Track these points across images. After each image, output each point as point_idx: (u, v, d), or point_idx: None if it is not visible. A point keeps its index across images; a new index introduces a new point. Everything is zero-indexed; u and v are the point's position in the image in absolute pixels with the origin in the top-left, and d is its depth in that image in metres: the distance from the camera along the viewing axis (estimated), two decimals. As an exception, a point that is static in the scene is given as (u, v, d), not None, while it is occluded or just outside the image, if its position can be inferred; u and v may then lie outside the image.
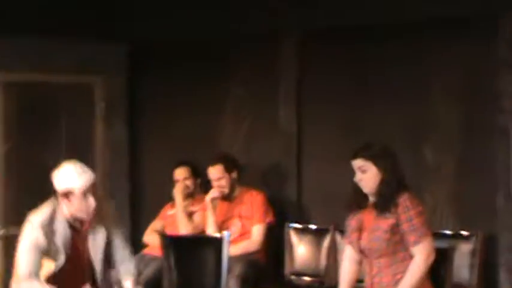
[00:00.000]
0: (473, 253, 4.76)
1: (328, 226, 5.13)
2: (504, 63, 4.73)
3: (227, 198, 5.12)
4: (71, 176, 3.71)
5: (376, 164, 3.57)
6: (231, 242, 4.78)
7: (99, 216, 3.81)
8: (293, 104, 5.36)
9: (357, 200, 3.64)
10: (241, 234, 5.06)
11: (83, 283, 3.82)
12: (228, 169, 5.08)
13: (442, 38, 4.97)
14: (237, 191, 5.14)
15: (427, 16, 4.92)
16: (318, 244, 5.17)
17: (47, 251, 3.71)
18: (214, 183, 5.07)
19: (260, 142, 5.47)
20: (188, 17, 5.52)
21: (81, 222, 3.78)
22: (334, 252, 5.11)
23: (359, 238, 3.64)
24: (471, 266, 4.75)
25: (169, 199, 5.37)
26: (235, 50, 5.52)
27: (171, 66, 5.61)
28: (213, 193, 5.09)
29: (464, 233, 4.80)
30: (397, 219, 3.52)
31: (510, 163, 4.73)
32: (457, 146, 4.99)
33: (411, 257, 3.57)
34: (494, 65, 4.78)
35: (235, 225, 5.07)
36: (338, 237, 5.05)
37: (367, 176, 3.57)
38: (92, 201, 3.71)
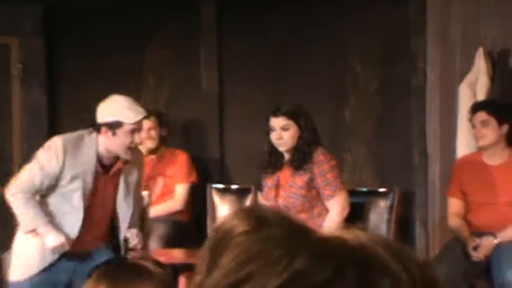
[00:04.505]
0: (390, 209, 4.92)
1: (250, 186, 5.21)
2: (416, 25, 4.87)
3: (153, 153, 5.10)
4: (124, 108, 3.46)
5: (297, 122, 3.65)
6: (154, 201, 4.81)
7: (136, 162, 3.54)
8: (215, 65, 5.40)
9: (272, 160, 3.72)
10: (164, 193, 5.10)
11: (102, 234, 3.55)
12: (160, 123, 5.11)
13: (358, 1, 5.09)
14: (162, 150, 5.17)
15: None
16: (240, 204, 5.25)
17: (59, 177, 3.41)
18: (143, 134, 5.06)
19: (182, 103, 5.49)
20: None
21: (113, 161, 3.52)
22: (256, 212, 5.21)
23: (276, 196, 3.73)
24: (388, 222, 4.91)
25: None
26: (155, 11, 5.49)
27: (90, 27, 5.54)
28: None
29: (381, 190, 4.95)
30: (312, 173, 3.62)
31: (425, 122, 4.89)
32: (375, 106, 5.13)
33: (328, 211, 3.68)
34: (407, 26, 4.92)
35: (158, 184, 5.10)
36: (260, 196, 5.14)
37: (288, 134, 3.65)
38: (137, 138, 3.47)
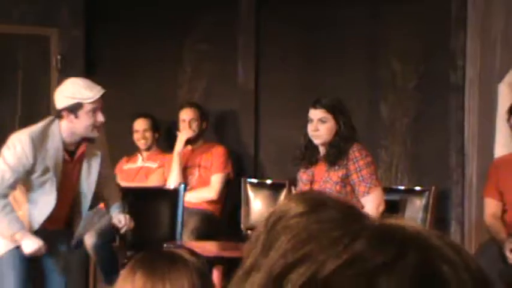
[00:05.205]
0: (425, 208, 4.88)
1: (284, 181, 5.20)
2: (457, 22, 4.81)
3: (190, 144, 5.15)
4: (81, 88, 3.45)
5: (335, 117, 3.63)
6: (189, 192, 4.84)
7: (98, 142, 3.55)
8: (251, 60, 5.38)
9: (308, 154, 3.69)
10: (199, 184, 5.12)
11: (65, 217, 3.62)
12: (202, 116, 5.17)
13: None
14: (200, 142, 5.20)
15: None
16: (273, 199, 5.25)
17: (31, 172, 3.43)
18: (184, 125, 5.12)
19: (218, 96, 5.50)
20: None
21: (77, 146, 3.54)
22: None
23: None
24: (423, 221, 4.86)
25: (126, 153, 5.38)
26: (196, 4, 5.50)
27: (129, 18, 5.57)
28: (187, 133, 5.11)
29: (417, 188, 4.91)
30: (347, 170, 3.59)
31: (463, 120, 4.84)
32: (412, 103, 5.08)
33: (363, 208, 3.64)
34: (448, 23, 4.85)
35: (194, 175, 5.12)
36: (294, 192, 5.12)
37: (325, 127, 3.62)
38: (101, 116, 3.46)
